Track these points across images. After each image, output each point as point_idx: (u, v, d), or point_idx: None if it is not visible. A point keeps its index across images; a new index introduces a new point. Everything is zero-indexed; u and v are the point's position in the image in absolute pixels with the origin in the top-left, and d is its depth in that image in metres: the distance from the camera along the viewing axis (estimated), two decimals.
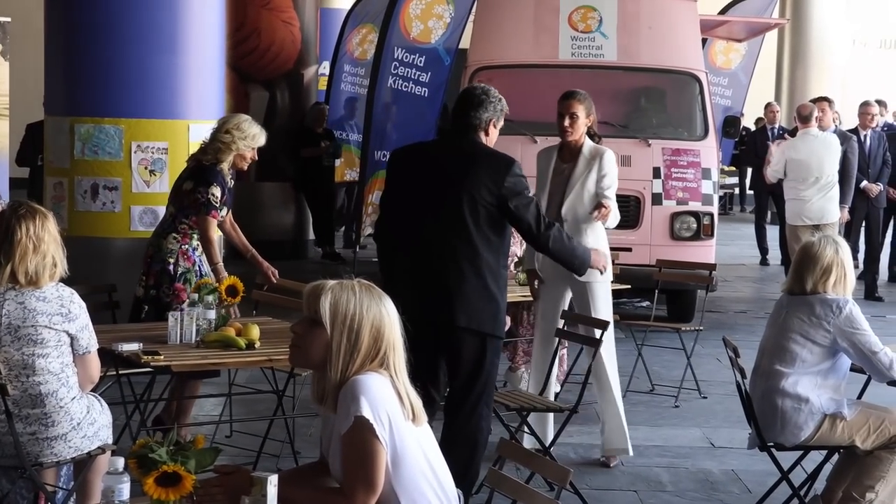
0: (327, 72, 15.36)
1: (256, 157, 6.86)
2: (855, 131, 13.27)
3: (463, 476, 5.23)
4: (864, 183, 12.90)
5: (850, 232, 12.87)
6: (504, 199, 5.34)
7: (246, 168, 6.88)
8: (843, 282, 5.40)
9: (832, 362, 5.40)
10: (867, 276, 13.19)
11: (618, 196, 10.48)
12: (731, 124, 12.81)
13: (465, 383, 5.47)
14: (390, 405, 3.36)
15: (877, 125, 13.54)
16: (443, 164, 5.44)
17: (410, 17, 11.83)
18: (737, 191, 23.29)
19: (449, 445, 5.32)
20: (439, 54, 11.99)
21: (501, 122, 5.60)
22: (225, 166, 6.76)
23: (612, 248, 10.14)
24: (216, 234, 6.83)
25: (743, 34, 15.21)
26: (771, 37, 19.45)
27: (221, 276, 6.64)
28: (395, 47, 11.73)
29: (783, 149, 12.04)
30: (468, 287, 5.34)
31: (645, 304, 11.39)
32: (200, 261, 6.80)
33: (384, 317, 3.42)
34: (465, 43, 11.85)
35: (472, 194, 5.32)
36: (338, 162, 14.48)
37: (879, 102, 14.36)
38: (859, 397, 5.92)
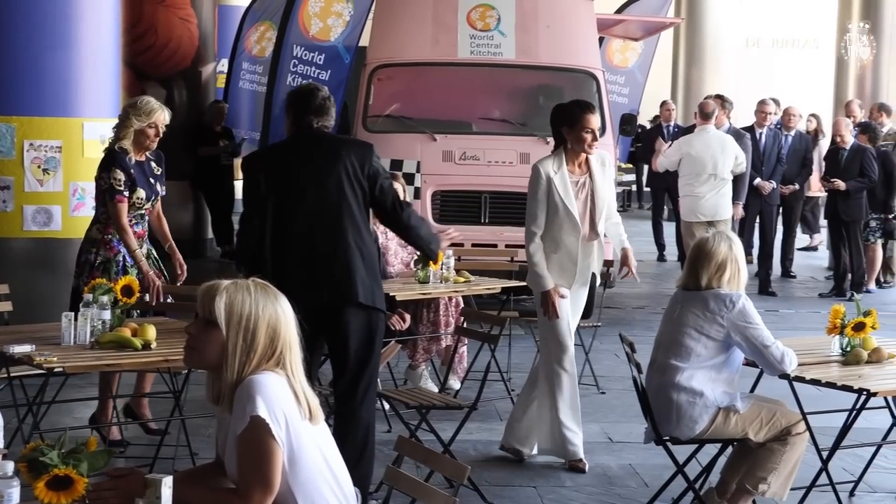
0: (226, 69, 15.21)
1: (161, 134, 6.77)
2: (750, 129, 13.50)
3: (358, 461, 5.31)
4: (758, 180, 13.13)
5: (744, 228, 13.09)
6: (373, 178, 5.59)
7: (154, 146, 6.79)
8: (736, 277, 5.48)
9: (726, 356, 5.48)
10: (761, 272, 13.43)
11: (516, 194, 10.71)
12: (627, 122, 12.95)
13: (358, 366, 5.56)
14: (286, 404, 3.35)
15: (771, 123, 13.79)
16: (314, 154, 5.63)
17: (309, 15, 11.78)
18: (634, 188, 23.57)
19: (343, 432, 5.40)
20: (339, 52, 11.96)
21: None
22: (127, 146, 6.68)
23: (511, 246, 10.39)
24: (151, 218, 6.78)
25: (639, 33, 15.38)
26: (667, 36, 19.70)
27: (140, 263, 6.60)
28: (293, 45, 11.67)
29: (680, 143, 12.21)
30: (360, 264, 5.54)
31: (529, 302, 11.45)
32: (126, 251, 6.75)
33: (280, 316, 3.41)
34: (364, 41, 11.82)
35: (348, 175, 5.55)
36: (237, 160, 14.36)
37: (774, 101, 14.60)
38: (752, 391, 6.01)
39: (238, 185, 14.94)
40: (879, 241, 13.48)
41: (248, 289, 3.40)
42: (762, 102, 13.74)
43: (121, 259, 6.72)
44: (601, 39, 13.92)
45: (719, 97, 13.13)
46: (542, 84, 11.69)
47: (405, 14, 11.29)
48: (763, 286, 13.40)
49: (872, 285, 13.56)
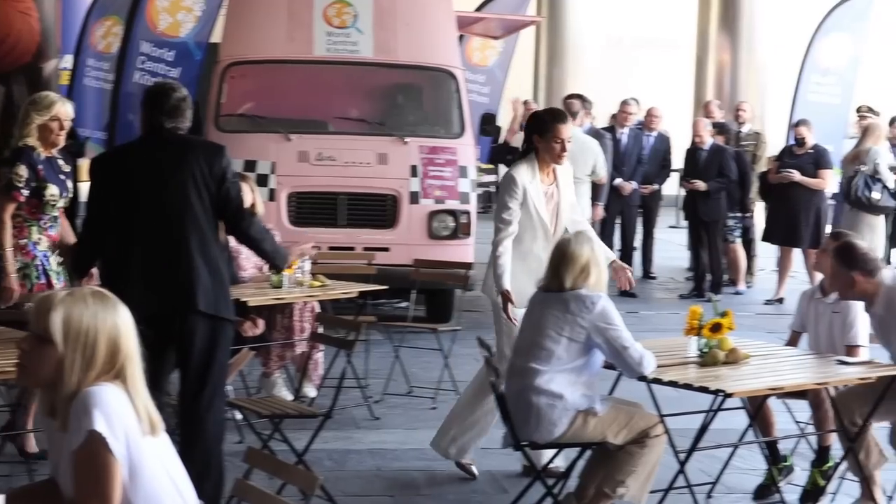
0: (70, 65, 14.88)
1: (65, 128, 6.66)
2: (610, 129, 13.70)
3: (205, 474, 5.26)
4: (619, 181, 13.33)
5: (605, 229, 13.27)
6: (219, 182, 5.51)
7: (61, 143, 6.69)
8: (598, 279, 5.55)
9: (586, 359, 5.54)
10: None
11: (374, 195, 10.72)
12: (488, 122, 13.02)
13: (200, 375, 5.50)
14: (126, 418, 3.27)
15: (632, 124, 14.02)
16: (159, 157, 5.55)
17: (157, 10, 11.60)
18: (495, 189, 23.71)
19: (188, 444, 5.32)
20: (189, 49, 11.80)
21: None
22: (32, 142, 6.59)
23: (369, 249, 10.38)
24: (17, 216, 6.61)
25: (499, 31, 15.49)
26: (527, 35, 19.88)
27: (6, 264, 6.46)
28: (141, 41, 11.48)
29: None
30: (203, 272, 5.47)
31: (404, 304, 11.46)
32: (45, 255, 6.60)
33: (120, 327, 3.31)
34: (216, 37, 11.69)
35: (195, 180, 5.48)
36: (81, 160, 14.04)
37: (635, 101, 14.84)
38: (610, 393, 6.09)
39: (83, 188, 14.63)
40: (739, 240, 13.79)
41: (85, 300, 3.28)
42: (624, 103, 13.97)
43: (39, 264, 6.59)
44: (461, 37, 13.97)
45: (579, 97, 13.29)
46: (400, 83, 11.68)
47: (259, 10, 11.18)
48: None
49: (742, 286, 13.83)
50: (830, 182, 13.09)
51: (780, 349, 6.40)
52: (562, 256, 5.57)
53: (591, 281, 5.51)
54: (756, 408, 6.32)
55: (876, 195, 12.30)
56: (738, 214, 13.60)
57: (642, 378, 5.58)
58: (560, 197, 6.70)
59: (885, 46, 21.95)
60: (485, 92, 16.31)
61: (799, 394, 6.33)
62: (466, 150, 11.05)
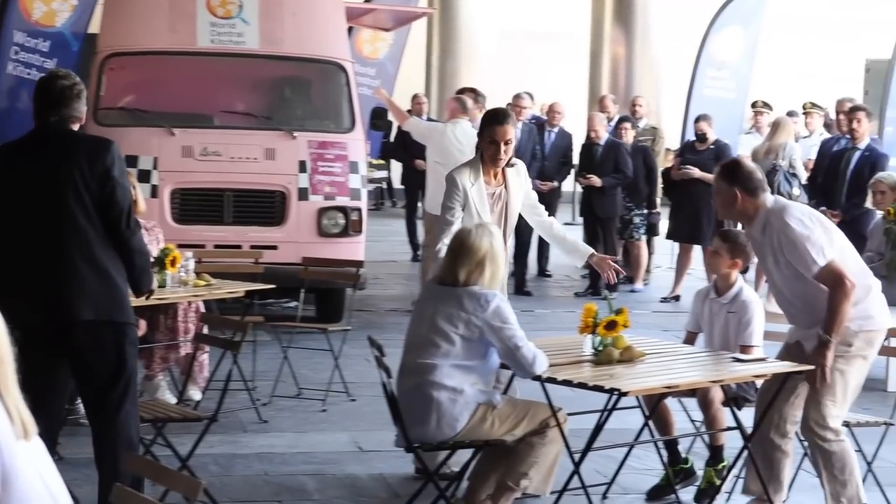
0: None
1: None
2: None
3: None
4: None
5: None
6: (102, 181, 5.31)
7: None
8: (495, 276, 5.56)
9: (483, 355, 5.56)
10: (517, 271, 13.70)
11: (262, 191, 10.65)
12: (379, 116, 13.03)
13: (107, 383, 5.36)
14: None
15: (525, 118, 14.09)
16: (44, 155, 5.38)
17: None
18: (385, 185, 23.71)
19: (100, 453, 5.26)
20: (66, 39, 11.62)
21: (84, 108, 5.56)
22: None
23: (256, 247, 10.31)
24: None
25: (390, 23, 15.51)
26: (420, 27, 19.95)
27: None
28: (14, 31, 11.27)
29: (435, 126, 12.34)
30: (86, 279, 5.29)
31: (293, 304, 11.42)
32: None
33: None
34: (95, 27, 11.52)
35: (74, 180, 5.29)
36: None
37: (529, 95, 14.94)
38: (504, 393, 6.13)
39: None
40: (644, 238, 13.95)
41: None
42: (517, 97, 14.04)
43: None
44: (350, 29, 13.96)
45: (472, 91, 13.34)
46: (288, 75, 11.63)
47: None
48: (519, 285, 13.68)
49: (640, 283, 14.00)
50: None
51: (676, 347, 6.50)
52: (459, 247, 5.58)
53: (485, 276, 5.53)
54: (652, 407, 6.41)
55: (796, 191, 12.55)
56: (645, 211, 13.75)
57: (536, 377, 5.62)
58: (509, 198, 6.68)
59: (779, 40, 22.38)
60: (375, 85, 16.31)
61: (694, 392, 6.43)
62: (357, 145, 11.03)
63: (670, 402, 6.63)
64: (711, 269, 6.75)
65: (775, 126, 13.29)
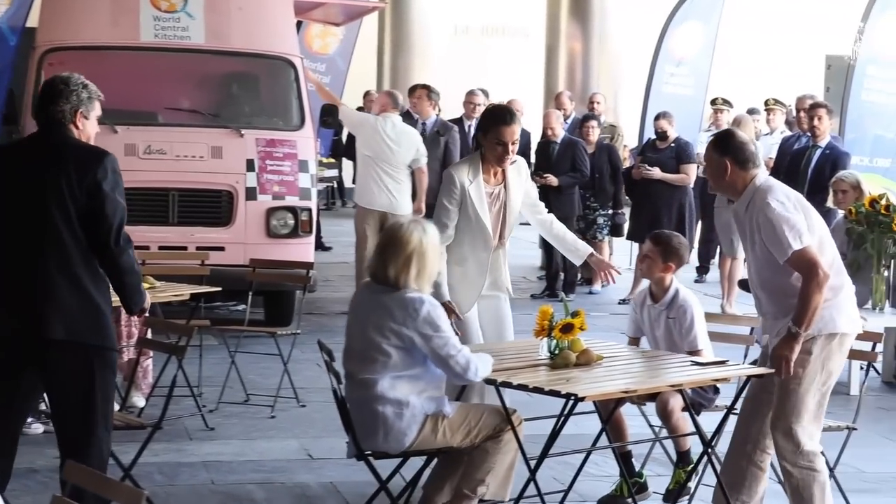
0: None
1: None
2: (459, 121, 13.76)
3: None
4: None
5: None
6: (91, 194, 5.19)
7: None
8: (422, 273, 5.49)
9: (424, 362, 5.52)
10: None
11: (208, 191, 10.57)
12: (328, 113, 12.95)
13: (76, 408, 5.25)
14: None
15: (479, 115, 14.09)
16: (31, 161, 5.29)
17: None
18: (336, 184, 23.63)
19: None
20: (3, 33, 11.51)
21: (96, 111, 5.44)
22: None
23: (202, 248, 10.23)
24: None
25: (340, 17, 15.45)
26: (371, 21, 19.90)
27: None
28: None
29: (367, 117, 12.32)
30: (62, 296, 5.19)
31: (240, 307, 11.36)
32: None
33: None
34: (33, 21, 11.41)
35: (60, 190, 5.18)
36: None
37: (483, 91, 14.95)
38: (458, 399, 6.11)
39: None
40: (608, 238, 13.95)
41: None
42: (470, 93, 14.04)
43: None
44: (299, 24, 13.91)
45: (425, 87, 13.35)
46: (235, 71, 11.58)
47: None
48: None
49: (598, 285, 13.99)
50: (694, 177, 13.35)
51: (634, 350, 6.50)
52: (389, 240, 5.50)
53: (411, 274, 5.44)
54: (608, 414, 6.41)
55: None
56: (610, 211, 13.76)
57: (490, 381, 5.60)
58: (509, 198, 6.68)
59: (739, 35, 22.50)
60: (325, 82, 16.27)
61: (653, 397, 6.44)
62: (307, 143, 10.99)
63: (628, 407, 6.63)
64: (644, 274, 6.75)
65: (735, 124, 13.35)
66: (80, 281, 5.21)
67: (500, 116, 6.61)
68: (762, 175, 5.88)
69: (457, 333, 6.21)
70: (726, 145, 5.89)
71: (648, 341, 6.75)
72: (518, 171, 6.75)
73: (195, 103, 11.24)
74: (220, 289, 8.41)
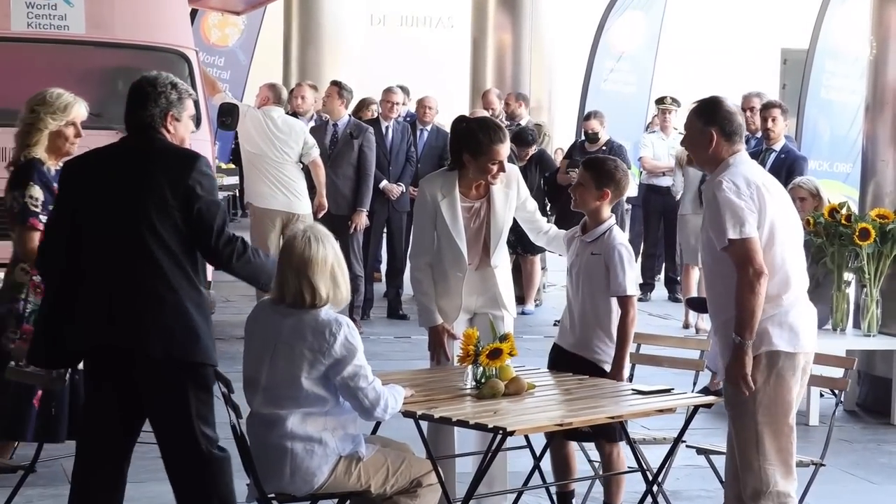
0: None
1: (81, 134, 6.61)
2: (375, 122, 13.73)
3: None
4: (385, 183, 13.38)
5: (369, 240, 13.29)
6: (186, 199, 5.45)
7: (73, 151, 6.54)
8: (333, 288, 5.44)
9: (340, 395, 5.50)
10: (390, 291, 13.69)
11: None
12: (228, 113, 12.89)
13: (172, 428, 5.61)
14: None
15: (399, 115, 14.07)
16: (118, 171, 5.56)
17: None
18: (238, 192, 23.48)
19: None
20: None
21: (189, 110, 5.67)
22: (41, 153, 6.53)
23: None
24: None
25: (240, 5, 15.42)
26: (276, 10, 19.84)
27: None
28: None
29: (249, 110, 12.31)
30: (154, 311, 5.45)
31: None
32: None
33: None
34: None
35: (150, 203, 5.45)
36: None
37: (403, 89, 14.94)
38: (373, 432, 6.09)
39: None
40: (539, 253, 13.95)
41: None
42: (388, 91, 14.02)
43: None
44: (194, 13, 13.84)
45: (337, 84, 13.33)
46: (120, 66, 11.48)
47: None
48: (392, 309, 13.65)
49: (531, 305, 14.00)
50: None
51: (569, 378, 6.48)
52: (288, 257, 5.44)
53: (322, 291, 5.41)
54: (555, 448, 6.41)
55: None
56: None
57: (409, 414, 5.58)
58: (492, 214, 6.72)
59: (685, 26, 22.69)
60: (224, 77, 16.22)
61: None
62: (203, 146, 10.89)
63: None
64: (577, 205, 6.67)
65: None
66: (176, 297, 5.46)
67: (494, 136, 6.63)
68: (744, 154, 5.87)
69: (447, 357, 6.56)
70: (713, 113, 5.85)
71: (568, 283, 6.72)
72: (506, 182, 6.78)
73: None
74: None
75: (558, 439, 6.49)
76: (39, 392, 6.53)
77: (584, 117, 13.86)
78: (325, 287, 5.43)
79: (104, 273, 5.55)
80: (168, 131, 5.61)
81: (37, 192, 6.56)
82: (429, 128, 14.30)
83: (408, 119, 14.54)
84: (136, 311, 5.49)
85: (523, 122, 14.74)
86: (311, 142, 12.05)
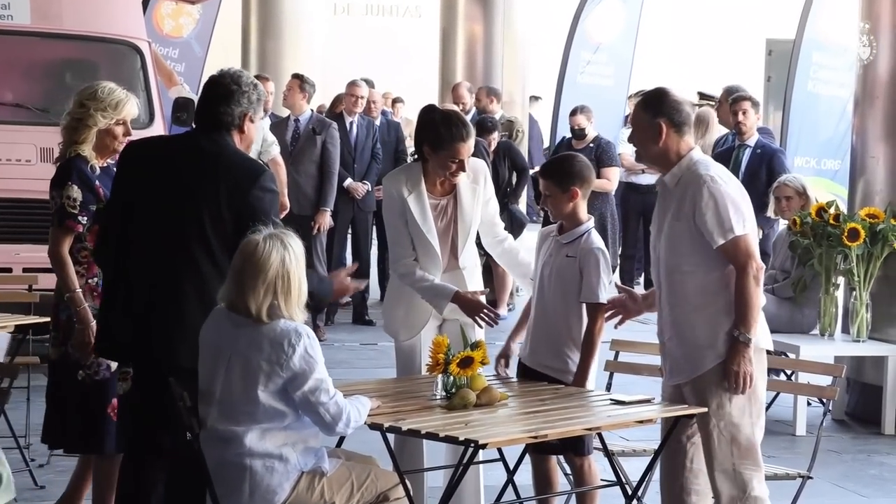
0: None
1: (131, 133, 6.61)
2: (339, 116, 13.71)
3: None
4: (349, 181, 13.36)
5: (333, 240, 13.27)
6: (243, 217, 5.52)
7: (121, 149, 6.52)
8: (291, 298, 5.36)
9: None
10: (355, 296, 13.64)
11: (38, 201, 10.38)
12: (183, 108, 12.83)
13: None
14: None
15: (360, 109, 14.01)
16: (178, 168, 5.66)
17: None
18: None
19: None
20: None
21: (260, 113, 5.80)
22: (87, 151, 6.56)
23: (30, 270, 10.09)
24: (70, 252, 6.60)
25: None
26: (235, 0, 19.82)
27: (79, 311, 6.43)
28: None
29: None
30: (194, 322, 5.50)
31: None
32: None
33: None
34: None
35: (204, 209, 5.56)
36: None
37: (367, 82, 14.93)
38: (338, 445, 6.07)
39: None
40: None
41: None
42: (352, 84, 14.00)
43: None
44: (146, 2, 13.82)
45: (299, 77, 13.33)
46: (68, 58, 11.50)
47: None
48: (358, 314, 13.64)
49: (503, 309, 13.95)
50: (616, 182, 13.45)
51: (544, 387, 6.47)
52: (244, 263, 5.37)
53: (281, 301, 5.38)
54: (536, 462, 6.42)
55: None
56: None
57: (375, 426, 5.56)
58: (459, 212, 6.72)
59: (665, 17, 22.75)
60: (180, 70, 16.15)
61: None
62: None
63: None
64: (553, 216, 6.67)
65: (701, 122, 13.25)
66: (212, 305, 5.47)
67: (455, 132, 6.59)
68: (698, 151, 5.91)
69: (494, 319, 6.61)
70: (660, 104, 5.88)
71: (535, 284, 6.71)
72: (473, 178, 6.77)
73: (20, 96, 11.13)
74: (48, 319, 8.27)
75: (538, 454, 6.48)
76: (114, 401, 6.53)
77: (571, 112, 13.86)
78: (278, 299, 5.37)
79: (145, 274, 5.68)
80: (242, 133, 5.74)
81: (75, 192, 6.54)
82: (395, 122, 14.30)
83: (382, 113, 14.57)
84: (167, 321, 5.62)
85: (496, 117, 14.75)
86: (271, 139, 12.02)
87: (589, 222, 6.57)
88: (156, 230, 5.67)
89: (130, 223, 5.74)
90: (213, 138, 5.71)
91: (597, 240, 6.54)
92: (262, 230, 5.41)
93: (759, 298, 5.78)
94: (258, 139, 11.88)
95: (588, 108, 13.79)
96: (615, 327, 6.63)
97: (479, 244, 7.12)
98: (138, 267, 5.72)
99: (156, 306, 5.66)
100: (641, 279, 15.58)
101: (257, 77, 12.95)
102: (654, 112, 5.85)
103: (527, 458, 6.57)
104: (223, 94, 5.71)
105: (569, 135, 14.12)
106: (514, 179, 13.92)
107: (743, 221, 5.75)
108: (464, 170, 6.63)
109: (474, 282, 6.90)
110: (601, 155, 13.32)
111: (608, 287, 6.49)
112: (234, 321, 5.42)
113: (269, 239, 5.36)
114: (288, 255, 5.37)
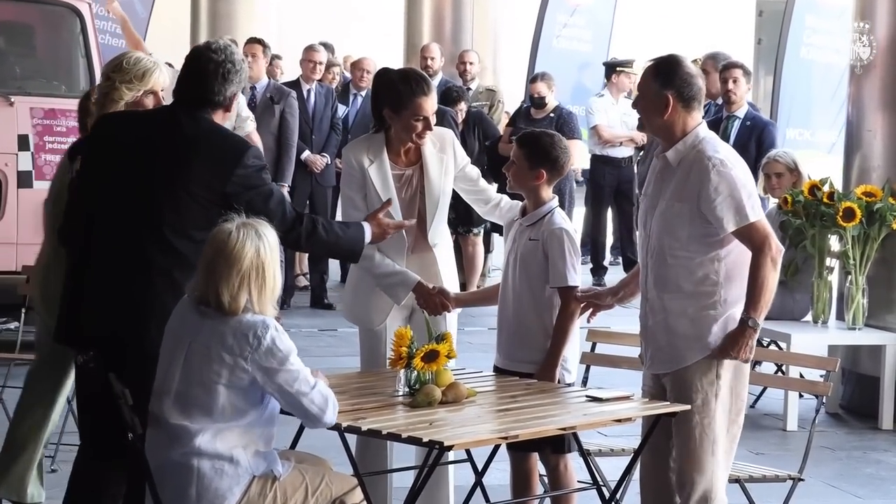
0: None
1: (163, 103, 6.53)
2: (296, 84, 13.66)
3: None
4: (307, 154, 13.32)
5: None
6: (231, 196, 5.64)
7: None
8: (265, 291, 5.40)
9: (259, 408, 5.45)
10: (314, 277, 13.62)
11: None
12: None
13: None
14: None
15: (318, 76, 13.92)
16: (155, 145, 5.72)
17: None
18: None
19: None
20: None
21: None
22: None
23: None
24: None
25: None
26: None
27: None
28: None
29: None
30: (165, 308, 5.54)
31: (12, 326, 11.18)
32: None
33: None
34: None
35: (181, 188, 5.63)
36: None
37: (326, 46, 14.88)
38: (293, 446, 6.05)
39: None
40: (481, 232, 13.90)
41: None
42: (310, 49, 13.97)
43: None
44: None
45: (257, 41, 13.28)
46: (2, 21, 11.42)
47: None
48: (317, 297, 13.60)
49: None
50: (579, 157, 13.41)
51: (515, 382, 6.44)
52: (216, 254, 5.36)
53: (252, 294, 5.35)
54: (515, 462, 6.44)
55: None
56: None
57: (333, 427, 5.54)
58: (427, 181, 6.65)
59: None
60: (120, 32, 16.04)
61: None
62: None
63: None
64: (512, 186, 6.64)
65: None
66: (181, 288, 5.57)
67: (416, 87, 6.55)
68: (705, 127, 5.92)
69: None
70: (671, 75, 5.90)
71: (502, 271, 6.70)
72: (440, 146, 6.72)
73: None
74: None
75: (516, 451, 6.46)
76: None
77: (531, 80, 13.85)
78: (251, 293, 5.36)
79: (115, 258, 5.73)
80: (227, 112, 5.84)
81: None
82: (363, 93, 14.24)
83: (342, 84, 14.50)
84: (134, 304, 5.68)
85: (473, 87, 14.74)
86: (246, 113, 11.89)
87: (552, 201, 6.56)
88: (128, 213, 5.71)
89: (103, 204, 5.78)
90: (195, 116, 5.76)
91: (560, 219, 6.52)
92: (234, 218, 5.39)
93: (775, 283, 5.86)
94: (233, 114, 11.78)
95: (549, 75, 13.77)
96: (588, 321, 6.60)
97: (450, 224, 7.09)
98: (106, 251, 5.75)
99: (123, 291, 5.70)
100: (620, 260, 15.57)
101: (255, 43, 12.97)
102: (664, 83, 5.88)
103: (497, 458, 6.57)
104: (217, 72, 5.75)
105: (528, 103, 14.08)
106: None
107: (755, 206, 5.84)
108: (430, 128, 6.58)
109: (446, 261, 6.83)
110: (562, 126, 13.21)
111: (578, 268, 6.48)
112: (202, 312, 5.40)
113: (241, 228, 5.36)
114: (263, 246, 5.37)
